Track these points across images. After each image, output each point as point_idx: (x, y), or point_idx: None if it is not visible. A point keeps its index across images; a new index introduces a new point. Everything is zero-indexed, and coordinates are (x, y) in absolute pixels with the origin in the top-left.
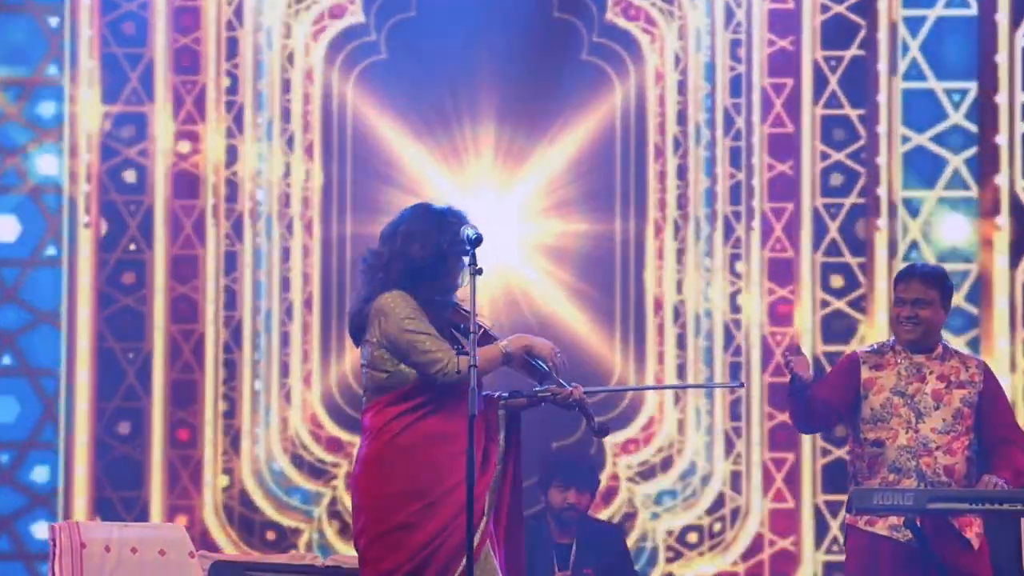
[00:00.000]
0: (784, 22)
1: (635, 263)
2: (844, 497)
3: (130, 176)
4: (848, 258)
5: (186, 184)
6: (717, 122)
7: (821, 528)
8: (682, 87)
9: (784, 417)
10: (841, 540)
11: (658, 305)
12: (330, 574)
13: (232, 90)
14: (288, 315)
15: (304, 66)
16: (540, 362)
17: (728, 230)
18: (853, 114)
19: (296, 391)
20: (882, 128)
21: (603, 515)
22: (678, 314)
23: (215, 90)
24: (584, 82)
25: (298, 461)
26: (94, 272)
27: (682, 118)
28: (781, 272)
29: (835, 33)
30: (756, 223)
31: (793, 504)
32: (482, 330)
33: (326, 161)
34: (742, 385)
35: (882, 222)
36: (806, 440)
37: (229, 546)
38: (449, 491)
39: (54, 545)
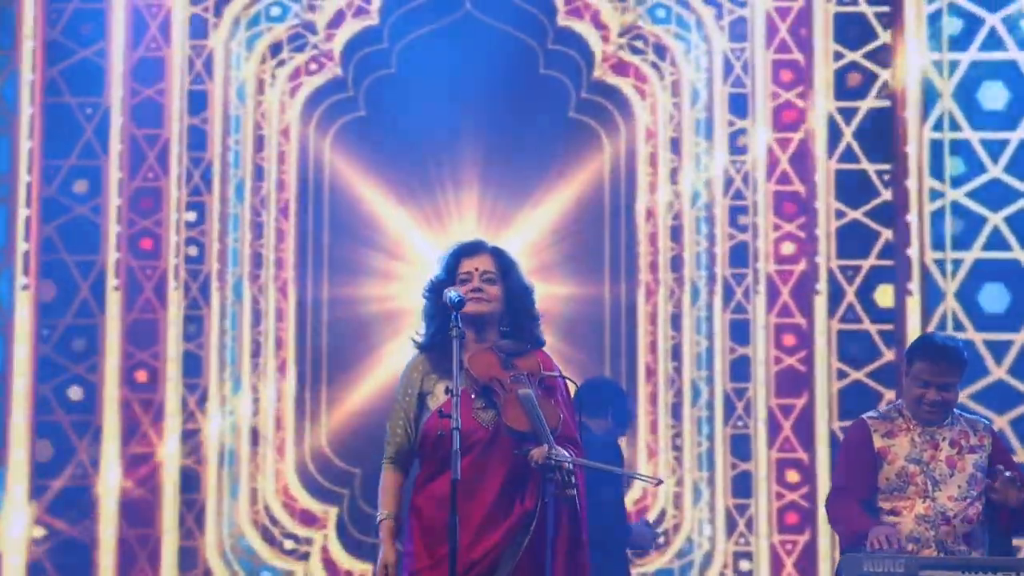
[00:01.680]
0: (791, 73)
1: (626, 327)
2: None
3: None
4: (867, 325)
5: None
6: (716, 181)
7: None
8: (675, 145)
9: (794, 496)
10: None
11: (650, 372)
12: None
13: (199, 146)
14: (260, 380)
15: (279, 123)
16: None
17: (728, 293)
18: (871, 169)
19: (268, 460)
20: (912, 183)
21: None
22: (672, 382)
23: (178, 144)
24: (571, 140)
25: (268, 536)
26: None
27: (675, 177)
28: (788, 337)
29: (849, 82)
30: (761, 286)
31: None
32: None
33: (302, 221)
34: (661, 482)
35: (913, 286)
36: (822, 520)
37: None
38: (444, 558)
39: None
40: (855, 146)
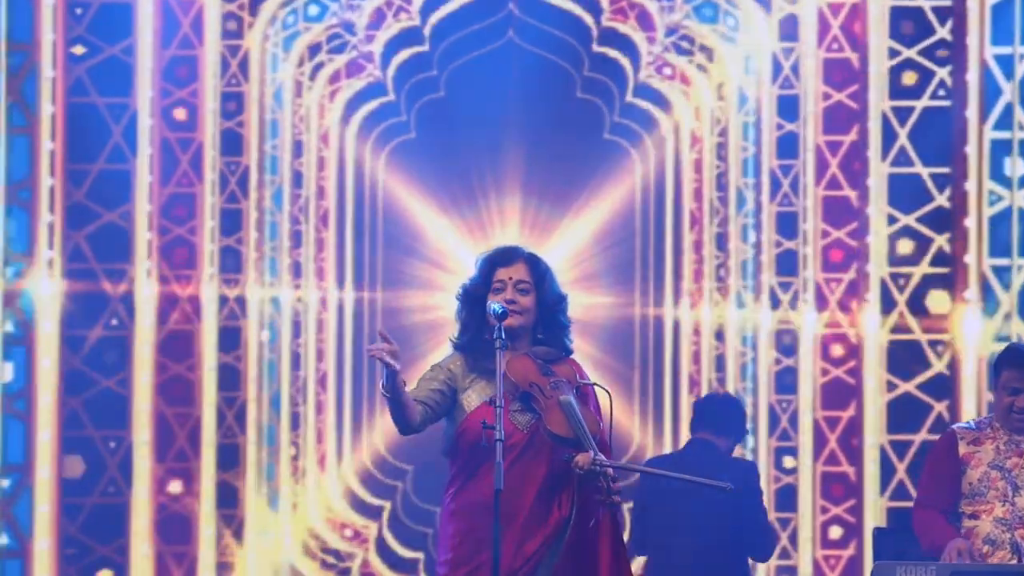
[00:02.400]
0: (842, 72)
1: (654, 334)
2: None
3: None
4: (919, 335)
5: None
6: (763, 186)
7: None
8: (698, 166)
9: (838, 510)
10: None
11: (693, 383)
12: None
13: (272, 169)
14: (322, 385)
15: (337, 144)
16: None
17: (774, 302)
18: (926, 172)
19: (330, 457)
20: (971, 186)
21: None
22: (693, 384)
23: (256, 171)
24: (607, 159)
25: (331, 523)
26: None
27: (698, 195)
28: (836, 347)
29: (903, 80)
30: (810, 295)
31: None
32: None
33: (357, 234)
34: (731, 488)
35: (970, 294)
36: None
37: None
38: (483, 565)
39: None
40: (909, 148)
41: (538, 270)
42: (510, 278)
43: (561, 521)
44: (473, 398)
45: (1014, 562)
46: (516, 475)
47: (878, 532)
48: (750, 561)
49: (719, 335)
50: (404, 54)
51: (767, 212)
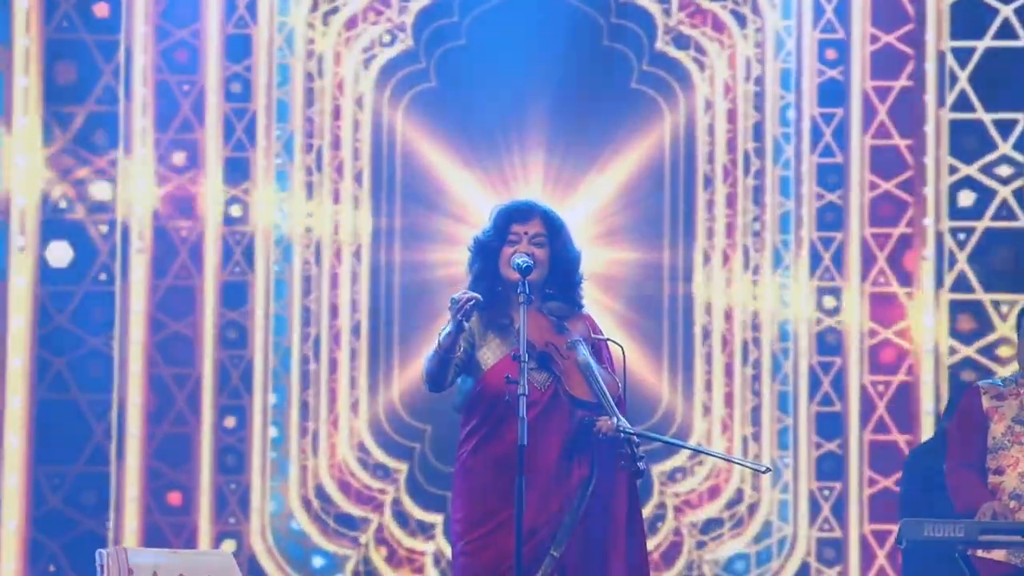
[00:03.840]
0: (835, 52)
1: (683, 292)
2: (892, 527)
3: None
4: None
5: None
6: (766, 151)
7: (867, 558)
8: (731, 116)
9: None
10: (887, 569)
11: (706, 334)
12: None
13: (282, 117)
14: (336, 342)
15: (354, 94)
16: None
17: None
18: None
19: (344, 418)
20: (929, 159)
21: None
22: (726, 342)
23: (265, 117)
24: (634, 110)
25: (345, 488)
26: (147, 296)
27: (731, 147)
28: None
29: (885, 63)
30: (804, 252)
31: (840, 534)
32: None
33: (375, 188)
34: (768, 470)
35: (928, 252)
36: (853, 469)
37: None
38: (507, 521)
39: (102, 571)
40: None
41: (554, 225)
42: (526, 232)
43: (582, 480)
44: (489, 355)
45: None
46: (538, 433)
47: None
48: None
49: (728, 287)
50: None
51: (808, 163)
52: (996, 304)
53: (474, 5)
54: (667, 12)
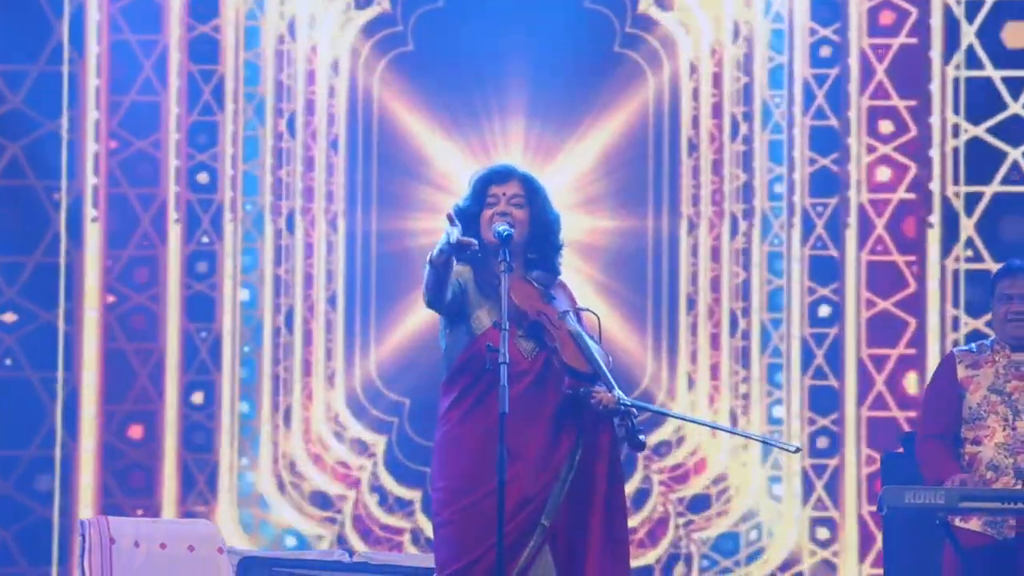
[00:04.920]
0: (828, 10)
1: (668, 260)
2: None
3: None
4: (895, 256)
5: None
6: (755, 115)
7: (865, 538)
8: (717, 79)
9: (825, 421)
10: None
11: (691, 303)
12: (358, 569)
13: (252, 80)
14: (311, 313)
15: (330, 57)
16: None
17: (766, 227)
18: (998, 76)
19: (319, 392)
20: (935, 119)
21: (633, 521)
22: (712, 312)
23: (233, 80)
24: (616, 74)
25: (320, 463)
26: (101, 268)
27: (717, 111)
28: (823, 271)
29: (883, 19)
30: (797, 219)
31: (835, 513)
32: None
33: (351, 155)
34: (798, 449)
35: (935, 218)
36: (850, 446)
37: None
38: (493, 492)
39: (84, 540)
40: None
41: (532, 187)
42: (504, 193)
43: (569, 451)
44: (484, 319)
45: (1019, 487)
46: (529, 403)
47: (887, 456)
48: None
49: (744, 262)
50: None
51: (800, 127)
52: None
53: None
54: None
